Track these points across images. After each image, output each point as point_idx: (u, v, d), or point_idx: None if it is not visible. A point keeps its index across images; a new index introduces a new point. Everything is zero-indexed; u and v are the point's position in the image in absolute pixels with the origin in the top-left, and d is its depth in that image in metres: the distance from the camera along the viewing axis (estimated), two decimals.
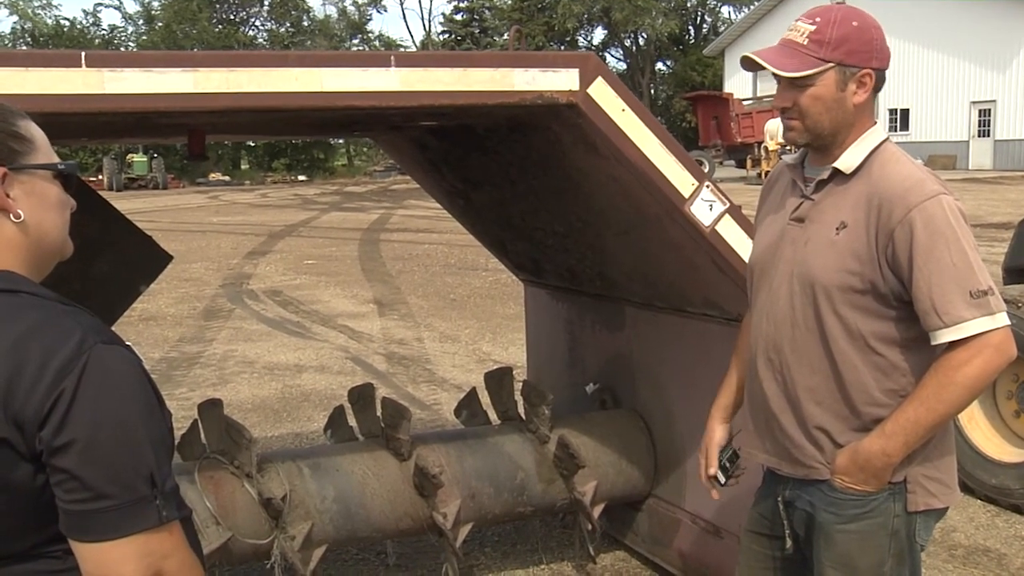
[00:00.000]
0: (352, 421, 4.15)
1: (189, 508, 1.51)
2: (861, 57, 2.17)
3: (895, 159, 2.21)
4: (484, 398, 4.38)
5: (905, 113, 37.69)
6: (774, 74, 2.20)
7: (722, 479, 2.54)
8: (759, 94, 39.19)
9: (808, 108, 2.20)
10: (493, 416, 4.37)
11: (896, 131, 36.69)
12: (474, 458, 3.93)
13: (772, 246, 2.32)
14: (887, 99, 35.82)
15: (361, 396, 4.11)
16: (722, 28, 54.47)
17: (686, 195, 3.15)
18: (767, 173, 30.94)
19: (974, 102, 36.17)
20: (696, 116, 38.10)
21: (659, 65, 60.88)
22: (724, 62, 46.71)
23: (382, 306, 11.68)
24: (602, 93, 3.05)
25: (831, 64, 2.16)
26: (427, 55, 3.05)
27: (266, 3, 55.83)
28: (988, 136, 36.03)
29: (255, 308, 11.75)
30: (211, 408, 3.81)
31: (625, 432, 4.20)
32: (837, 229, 2.18)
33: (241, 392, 7.72)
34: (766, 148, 32.00)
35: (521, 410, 4.21)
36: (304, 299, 12.28)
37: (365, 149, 54.18)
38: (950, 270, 2.07)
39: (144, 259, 4.55)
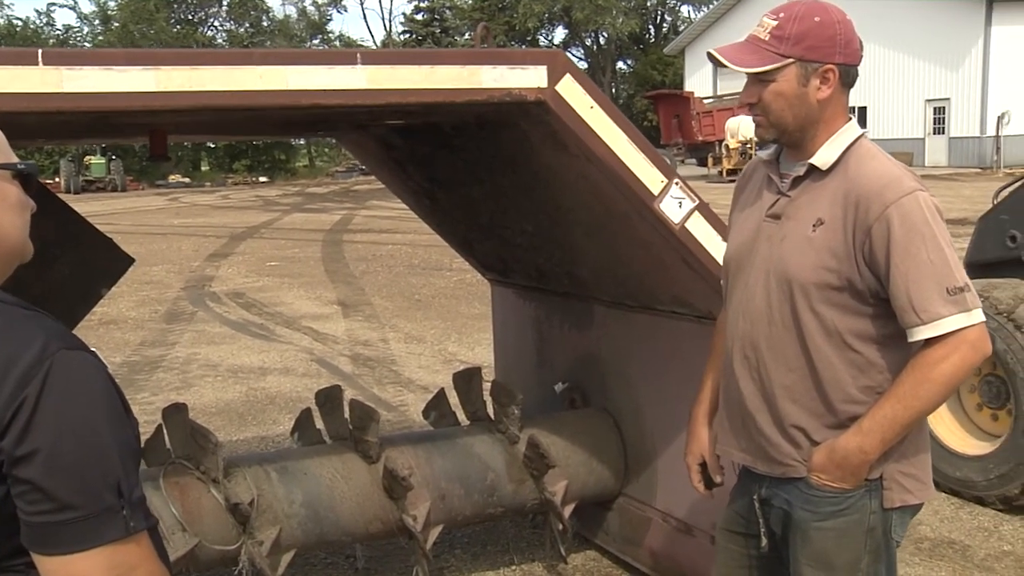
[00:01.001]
0: (319, 424, 4.10)
1: (156, 517, 1.46)
2: (823, 52, 2.16)
3: (871, 155, 2.20)
4: (453, 398, 4.35)
5: (862, 111, 38.08)
6: (735, 70, 2.19)
7: (719, 479, 2.54)
8: (719, 92, 39.50)
9: (770, 104, 2.19)
10: (462, 417, 4.34)
11: None
12: (443, 459, 3.90)
13: (748, 243, 2.31)
14: None
15: (328, 398, 4.06)
16: (682, 27, 54.82)
17: (655, 192, 3.13)
18: (729, 171, 31.35)
19: (928, 100, 36.62)
20: (657, 115, 38.32)
21: (620, 64, 61.20)
22: (684, 61, 46.98)
23: (346, 307, 11.59)
24: (571, 90, 3.03)
25: (790, 60, 2.15)
26: (394, 53, 3.01)
27: (225, 3, 55.35)
28: (943, 133, 36.49)
29: (218, 311, 11.63)
30: (176, 413, 3.75)
31: (595, 431, 4.18)
32: (814, 226, 2.17)
33: (205, 396, 7.62)
34: (727, 146, 32.29)
35: (490, 410, 4.18)
36: (267, 301, 12.17)
37: (327, 150, 53.91)
38: (927, 267, 2.06)
39: (105, 262, 4.47)
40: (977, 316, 2.08)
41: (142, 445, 3.74)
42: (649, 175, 3.12)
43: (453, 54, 2.96)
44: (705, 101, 36.56)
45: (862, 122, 37.76)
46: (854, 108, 38.66)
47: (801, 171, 2.24)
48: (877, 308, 2.15)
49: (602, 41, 58.29)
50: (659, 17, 61.15)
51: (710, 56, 2.22)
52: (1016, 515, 4.86)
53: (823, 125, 2.22)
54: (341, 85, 2.78)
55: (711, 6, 48.06)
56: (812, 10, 2.17)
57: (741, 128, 31.25)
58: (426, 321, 10.48)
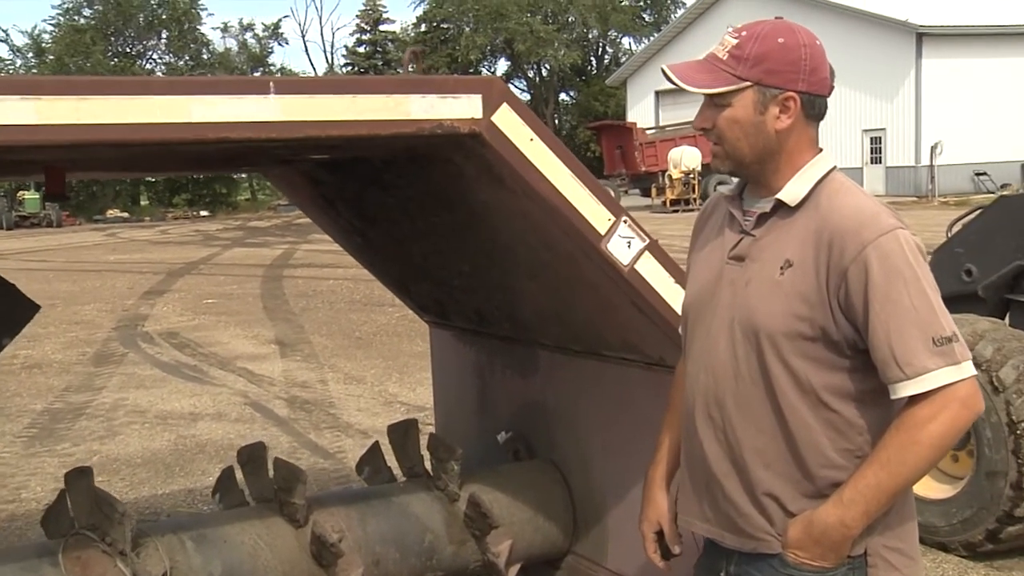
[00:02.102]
0: (243, 483, 3.78)
1: None
2: (784, 78, 1.93)
3: (845, 190, 1.96)
4: (388, 447, 4.05)
5: None
6: (685, 89, 1.95)
7: (677, 550, 2.26)
8: (661, 123, 39.83)
9: (725, 131, 1.96)
10: (398, 471, 4.04)
11: None
12: (377, 520, 3.60)
13: (708, 287, 2.05)
14: None
15: (251, 457, 3.75)
16: (623, 59, 55.37)
17: (602, 231, 2.88)
18: (672, 201, 31.46)
19: (866, 130, 37.27)
20: (600, 146, 38.48)
21: (562, 96, 61.62)
22: (626, 92, 47.36)
23: (284, 346, 11.23)
24: (508, 121, 2.77)
25: (747, 83, 1.92)
26: (312, 80, 2.74)
27: (164, 36, 54.65)
28: (880, 163, 37.19)
29: (149, 352, 11.19)
30: (79, 477, 3.40)
31: (541, 485, 3.91)
32: (781, 268, 1.92)
33: (130, 445, 7.21)
34: (670, 176, 32.46)
35: (428, 465, 3.89)
36: (202, 341, 11.76)
37: (268, 183, 53.32)
38: (910, 314, 1.83)
39: (6, 310, 4.12)
40: (967, 370, 1.84)
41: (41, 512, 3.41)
42: (595, 212, 2.87)
43: (378, 82, 2.70)
44: (648, 132, 36.81)
45: None
46: None
47: (767, 207, 1.98)
48: (855, 361, 1.90)
49: (544, 73, 58.65)
50: (600, 49, 61.77)
51: (664, 73, 1.97)
52: (981, 561, 4.66)
53: (785, 158, 1.98)
54: (252, 117, 2.49)
55: (652, 38, 48.65)
56: (777, 31, 1.94)
57: (684, 158, 31.44)
58: (367, 360, 10.15)
